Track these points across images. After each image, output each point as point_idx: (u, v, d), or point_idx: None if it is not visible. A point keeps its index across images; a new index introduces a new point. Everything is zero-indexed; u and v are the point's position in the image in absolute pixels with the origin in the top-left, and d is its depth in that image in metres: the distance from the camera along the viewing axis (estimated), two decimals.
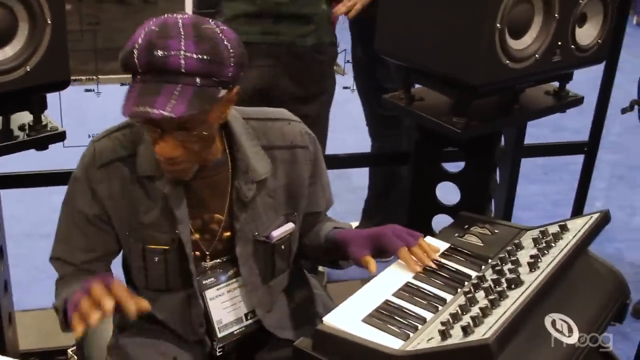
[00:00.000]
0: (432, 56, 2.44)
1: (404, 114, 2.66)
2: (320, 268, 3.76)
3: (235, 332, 2.09)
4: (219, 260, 2.06)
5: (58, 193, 4.47)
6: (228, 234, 2.02)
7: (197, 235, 2.00)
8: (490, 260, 1.92)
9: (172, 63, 1.66)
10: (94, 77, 3.42)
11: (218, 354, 2.08)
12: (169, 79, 1.67)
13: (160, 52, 1.66)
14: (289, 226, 2.08)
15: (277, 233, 2.05)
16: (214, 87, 1.71)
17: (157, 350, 2.07)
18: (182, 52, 1.66)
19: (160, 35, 1.67)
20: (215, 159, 1.93)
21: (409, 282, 1.86)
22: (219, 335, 2.06)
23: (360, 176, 4.37)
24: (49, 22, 2.12)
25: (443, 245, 2.02)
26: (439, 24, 2.38)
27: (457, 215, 2.23)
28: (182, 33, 1.68)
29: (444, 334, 1.57)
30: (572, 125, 5.11)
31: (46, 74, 2.16)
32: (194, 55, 1.67)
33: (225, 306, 2.08)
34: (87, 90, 3.46)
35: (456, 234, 2.08)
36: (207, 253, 2.03)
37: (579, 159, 3.57)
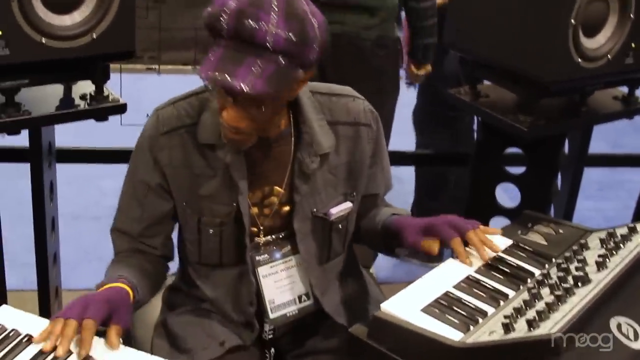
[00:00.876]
0: (502, 51, 2.40)
1: (468, 109, 2.61)
2: (371, 269, 3.72)
3: (288, 315, 2.03)
4: (274, 236, 2.02)
5: (108, 177, 4.51)
6: (286, 208, 1.99)
7: (254, 209, 1.97)
8: (554, 259, 1.86)
9: (260, 37, 1.62)
10: (155, 55, 3.41)
11: (269, 337, 2.03)
12: (253, 51, 1.64)
13: (249, 22, 1.62)
14: (347, 205, 2.04)
15: (335, 210, 2.01)
16: (295, 68, 1.68)
17: (205, 332, 2.03)
18: (272, 28, 1.62)
19: (253, 4, 1.64)
20: (280, 131, 1.90)
21: (470, 275, 1.81)
22: (271, 316, 2.01)
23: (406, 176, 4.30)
24: None
25: (505, 242, 1.96)
26: (511, 17, 2.34)
27: (515, 217, 2.17)
28: (275, 6, 1.64)
29: (508, 327, 1.51)
30: (631, 142, 5.01)
31: (112, 42, 2.15)
32: (282, 34, 1.63)
33: (278, 285, 2.03)
34: (148, 69, 3.45)
35: (519, 232, 2.02)
36: (262, 228, 1.99)
37: (636, 177, 3.48)
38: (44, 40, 2.04)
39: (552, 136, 2.66)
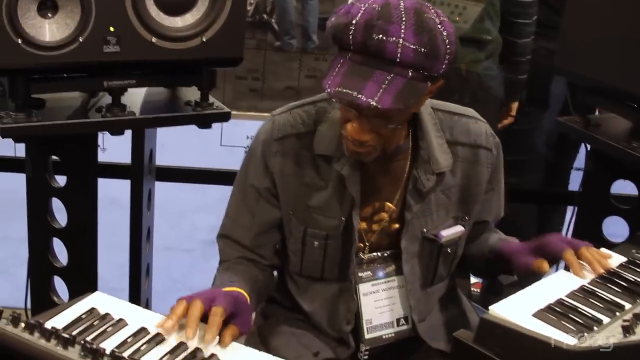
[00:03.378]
0: (616, 75, 2.34)
1: (579, 137, 2.54)
2: None
3: (384, 337, 1.97)
4: (379, 253, 1.96)
5: (202, 211, 4.56)
6: (396, 226, 1.94)
7: (362, 224, 1.92)
8: None
9: (389, 50, 1.59)
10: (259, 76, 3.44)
11: (364, 358, 1.96)
12: (381, 65, 1.60)
13: (378, 36, 1.59)
14: (459, 229, 1.97)
15: (446, 233, 1.94)
16: (423, 81, 1.64)
17: (299, 342, 1.99)
18: (401, 41, 1.59)
19: (381, 17, 1.60)
20: (398, 145, 1.85)
21: (584, 286, 1.72)
22: (366, 336, 1.95)
23: None
24: None
25: (620, 259, 1.86)
26: (628, 40, 2.27)
27: None
28: (404, 18, 1.60)
29: (628, 330, 1.44)
30: None
31: (221, 47, 2.15)
32: (412, 46, 1.59)
33: (378, 305, 1.97)
34: (251, 90, 3.48)
35: (633, 250, 1.92)
36: (368, 244, 1.94)
37: None
38: (154, 40, 2.07)
39: None
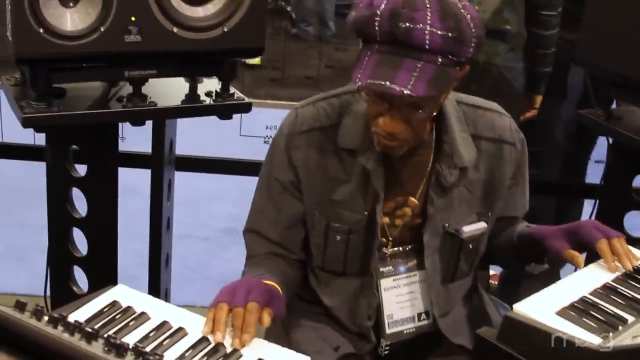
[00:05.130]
0: (639, 67, 2.31)
1: (601, 130, 2.52)
2: None
3: (405, 332, 1.96)
4: (400, 248, 1.95)
5: (217, 201, 4.55)
6: (418, 220, 1.92)
7: (385, 219, 1.90)
8: None
9: (417, 38, 1.58)
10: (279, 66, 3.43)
11: (384, 353, 1.96)
12: (410, 53, 1.60)
13: (405, 24, 1.58)
14: (482, 225, 1.95)
15: (468, 229, 1.93)
16: (452, 66, 1.64)
17: (319, 335, 1.98)
18: (428, 27, 1.58)
19: (406, 5, 1.59)
20: (422, 139, 1.84)
21: (608, 283, 1.71)
22: (387, 331, 1.94)
23: None
24: None
25: None
26: None
27: None
28: (428, 5, 1.60)
29: None
30: None
31: (242, 38, 2.13)
32: (439, 32, 1.59)
33: (399, 300, 1.96)
34: (272, 80, 3.47)
35: None
36: (391, 239, 1.93)
37: None
38: (175, 30, 2.05)
39: None
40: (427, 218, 1.90)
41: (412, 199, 1.90)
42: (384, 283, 1.94)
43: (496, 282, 3.75)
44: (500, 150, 1.93)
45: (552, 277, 2.80)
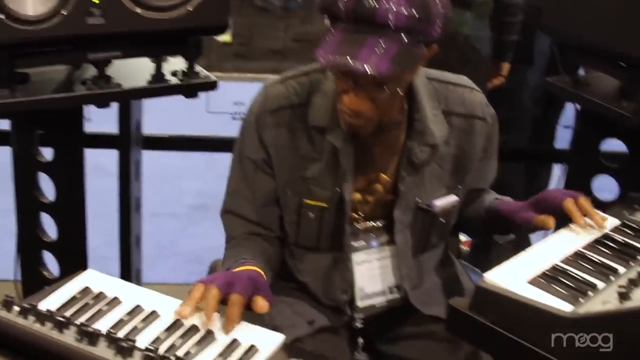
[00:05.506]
0: (606, 35, 2.34)
1: (568, 97, 2.54)
2: None
3: (376, 305, 1.98)
4: (373, 223, 1.96)
5: (185, 178, 4.53)
6: (390, 197, 1.93)
7: (357, 195, 1.91)
8: None
9: (381, 16, 1.58)
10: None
11: (359, 327, 1.98)
12: (374, 31, 1.59)
13: (370, 3, 1.58)
14: (453, 198, 1.97)
15: (440, 203, 1.94)
16: (418, 45, 1.64)
17: (293, 310, 1.99)
18: (393, 5, 1.57)
19: None
20: (394, 117, 1.84)
21: (578, 250, 1.72)
22: (359, 304, 1.96)
23: None
24: None
25: (613, 222, 1.86)
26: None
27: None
28: None
29: (624, 296, 1.45)
30: None
31: (206, 16, 2.13)
32: (404, 11, 1.58)
33: (370, 274, 1.97)
34: (237, 55, 3.45)
35: (625, 212, 1.93)
36: (363, 215, 1.94)
37: None
38: (139, 10, 2.05)
39: None
40: (398, 195, 1.91)
41: (383, 175, 1.90)
42: (356, 257, 1.95)
43: (467, 248, 3.78)
44: (471, 125, 1.93)
45: (522, 242, 2.83)
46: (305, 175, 1.88)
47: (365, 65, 1.56)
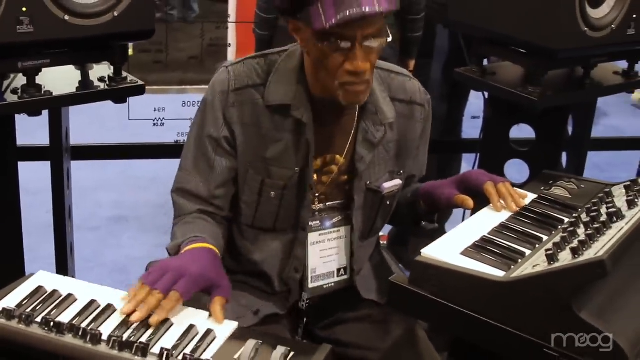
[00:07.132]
0: (509, 24, 2.46)
1: (477, 86, 2.66)
2: None
3: (324, 287, 2.04)
4: (328, 204, 2.01)
5: (103, 190, 4.45)
6: (344, 177, 1.99)
7: (314, 176, 1.96)
8: (581, 208, 1.89)
9: None
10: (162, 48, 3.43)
11: (305, 307, 2.03)
12: None
13: None
14: (398, 182, 2.05)
15: (388, 185, 2.02)
16: None
17: (238, 303, 1.99)
18: None
19: None
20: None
21: (503, 223, 1.84)
22: (310, 285, 2.01)
23: None
24: None
25: (531, 196, 2.00)
26: None
27: None
28: None
29: (552, 258, 1.55)
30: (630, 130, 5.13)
31: (132, 21, 2.16)
32: None
33: (322, 255, 2.02)
34: (155, 62, 3.48)
35: (542, 188, 2.06)
36: (318, 194, 1.98)
37: (633, 159, 3.57)
38: (67, 17, 2.05)
39: (558, 110, 2.71)
40: (356, 174, 1.97)
41: (339, 156, 1.96)
42: (311, 237, 2.00)
43: (385, 242, 3.89)
44: (412, 111, 2.03)
45: (438, 234, 2.94)
46: (266, 155, 1.91)
47: (374, 7, 1.63)
